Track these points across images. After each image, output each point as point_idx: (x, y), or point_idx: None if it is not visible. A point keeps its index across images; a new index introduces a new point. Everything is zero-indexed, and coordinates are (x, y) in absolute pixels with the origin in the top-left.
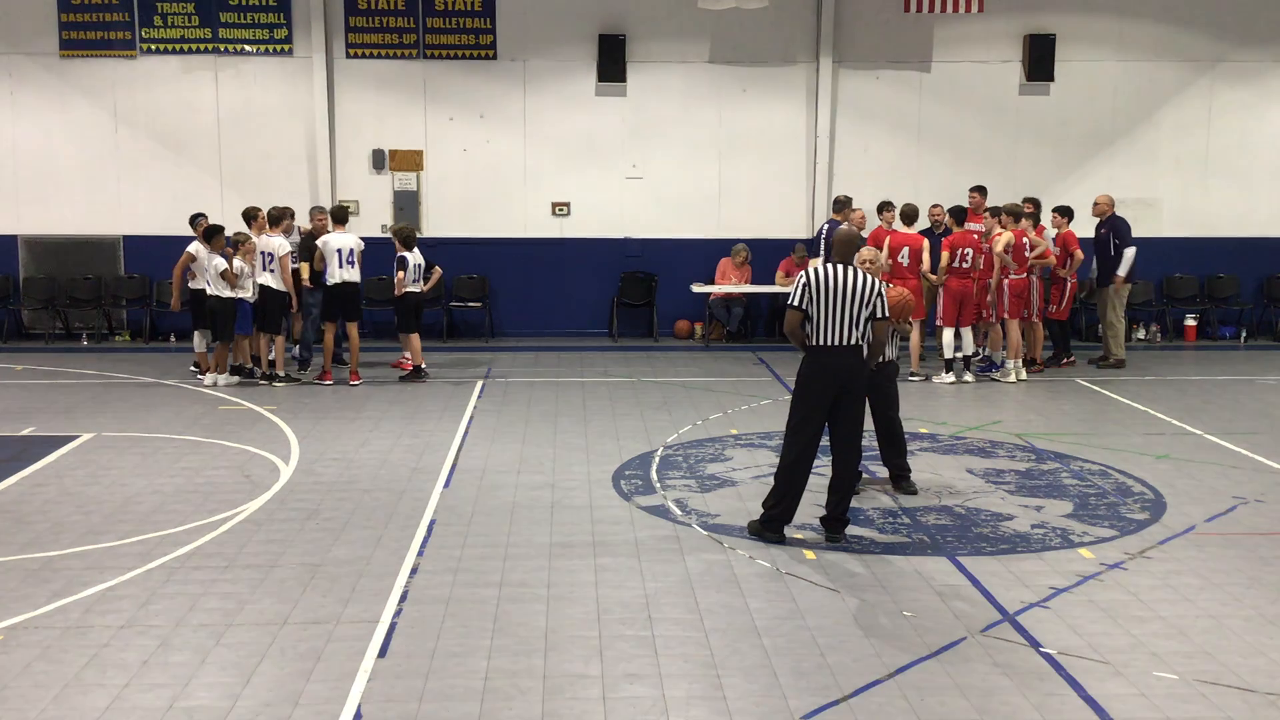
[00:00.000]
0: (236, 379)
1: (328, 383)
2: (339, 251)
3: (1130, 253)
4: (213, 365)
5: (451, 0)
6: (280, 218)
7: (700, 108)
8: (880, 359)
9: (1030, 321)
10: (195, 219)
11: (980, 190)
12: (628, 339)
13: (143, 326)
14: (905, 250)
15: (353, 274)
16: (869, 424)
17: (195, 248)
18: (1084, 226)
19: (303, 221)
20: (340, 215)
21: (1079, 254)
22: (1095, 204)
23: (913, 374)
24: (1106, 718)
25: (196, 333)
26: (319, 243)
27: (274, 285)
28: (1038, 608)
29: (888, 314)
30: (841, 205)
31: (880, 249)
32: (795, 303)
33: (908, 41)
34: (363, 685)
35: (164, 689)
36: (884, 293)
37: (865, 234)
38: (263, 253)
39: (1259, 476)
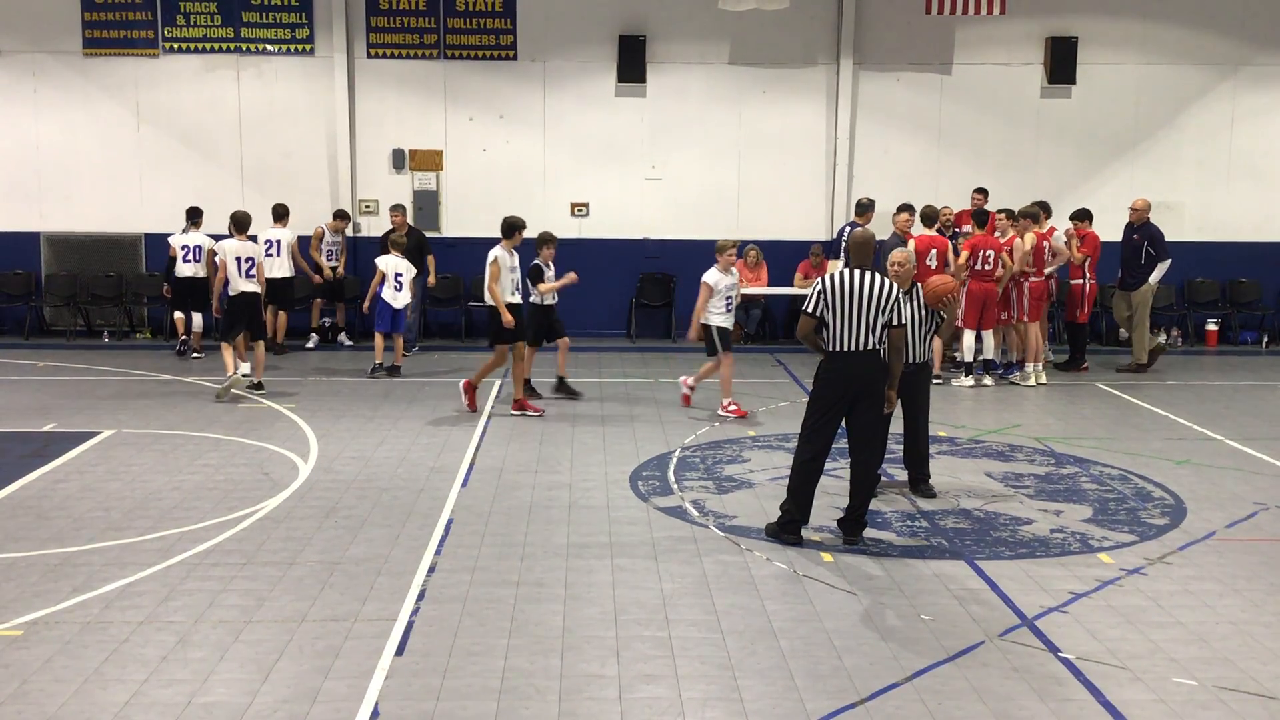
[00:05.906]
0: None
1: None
2: (237, 260)
3: (1165, 264)
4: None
5: (472, 1)
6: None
7: (720, 109)
8: (910, 361)
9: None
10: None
11: (982, 192)
12: (646, 340)
13: (163, 324)
14: (933, 253)
15: (249, 285)
16: (898, 426)
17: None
18: (1107, 230)
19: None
20: (242, 222)
21: (1078, 254)
22: (1134, 209)
23: (935, 377)
24: None
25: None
26: (216, 246)
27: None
28: (1056, 612)
29: (903, 322)
30: (864, 208)
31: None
32: (809, 309)
33: (929, 43)
34: (380, 683)
35: (183, 685)
36: (901, 299)
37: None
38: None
39: None
